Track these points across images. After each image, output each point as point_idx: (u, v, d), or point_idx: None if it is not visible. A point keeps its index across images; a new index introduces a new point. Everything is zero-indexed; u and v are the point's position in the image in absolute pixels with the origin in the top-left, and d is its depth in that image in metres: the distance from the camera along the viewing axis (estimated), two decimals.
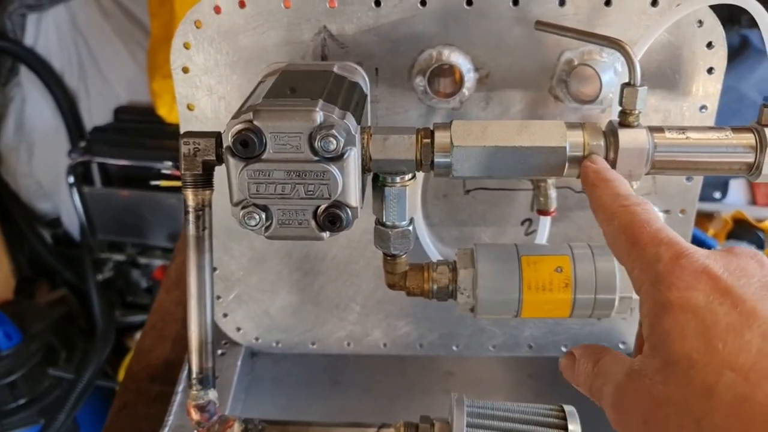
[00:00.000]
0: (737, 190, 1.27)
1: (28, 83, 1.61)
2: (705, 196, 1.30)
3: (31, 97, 1.62)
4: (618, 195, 0.40)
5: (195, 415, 0.49)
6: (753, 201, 1.25)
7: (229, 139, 0.41)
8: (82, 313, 1.66)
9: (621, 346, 0.67)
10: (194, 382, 0.49)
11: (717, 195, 1.29)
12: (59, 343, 1.51)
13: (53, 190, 1.71)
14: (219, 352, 0.69)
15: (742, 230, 1.28)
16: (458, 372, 0.75)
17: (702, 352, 0.30)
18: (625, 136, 0.46)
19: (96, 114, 1.64)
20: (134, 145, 1.48)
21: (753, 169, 0.46)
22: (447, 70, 0.54)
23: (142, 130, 1.52)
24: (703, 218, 1.35)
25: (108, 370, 1.50)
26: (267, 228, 0.44)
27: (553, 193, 0.54)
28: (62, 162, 1.53)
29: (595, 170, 0.43)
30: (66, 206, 1.68)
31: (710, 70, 0.54)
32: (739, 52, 1.09)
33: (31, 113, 1.64)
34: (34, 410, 1.40)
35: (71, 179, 1.50)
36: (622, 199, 0.39)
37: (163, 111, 1.49)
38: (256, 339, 0.69)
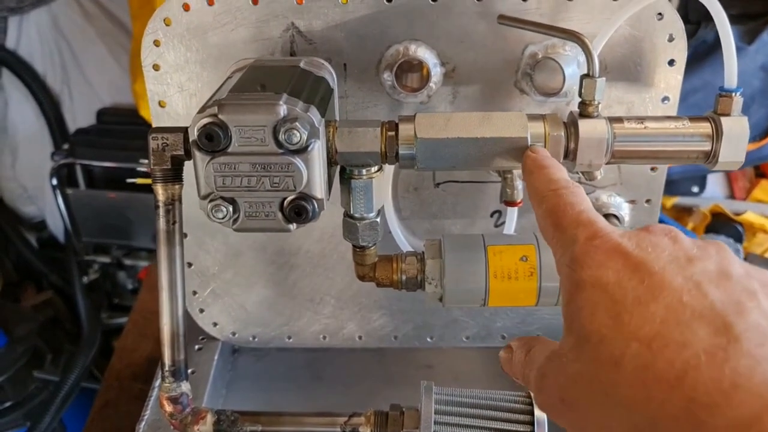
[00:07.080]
0: (715, 184, 1.28)
1: (10, 86, 1.60)
2: (683, 191, 1.32)
3: (14, 101, 1.62)
4: (550, 180, 0.40)
5: (168, 407, 0.50)
6: (731, 195, 1.26)
7: (195, 133, 0.41)
8: (68, 315, 1.66)
9: None
10: (167, 374, 0.49)
11: (695, 189, 1.30)
12: (45, 345, 1.50)
13: (37, 193, 1.70)
14: (196, 347, 0.69)
15: (720, 224, 1.29)
16: (437, 365, 0.76)
17: (610, 327, 0.30)
18: (585, 126, 0.47)
19: (79, 116, 1.63)
20: (117, 146, 1.48)
21: (710, 157, 0.47)
22: (414, 65, 0.54)
23: (125, 131, 1.51)
24: (682, 212, 1.37)
25: (95, 372, 1.50)
26: (235, 220, 0.45)
27: (519, 184, 0.55)
28: (46, 165, 1.52)
29: (533, 158, 0.44)
30: (51, 209, 1.68)
31: (671, 62, 0.55)
32: (715, 48, 1.10)
33: (13, 116, 1.63)
34: (20, 413, 1.40)
35: (54, 181, 1.50)
36: (552, 183, 0.39)
37: (146, 113, 1.48)
38: (233, 334, 0.69)
